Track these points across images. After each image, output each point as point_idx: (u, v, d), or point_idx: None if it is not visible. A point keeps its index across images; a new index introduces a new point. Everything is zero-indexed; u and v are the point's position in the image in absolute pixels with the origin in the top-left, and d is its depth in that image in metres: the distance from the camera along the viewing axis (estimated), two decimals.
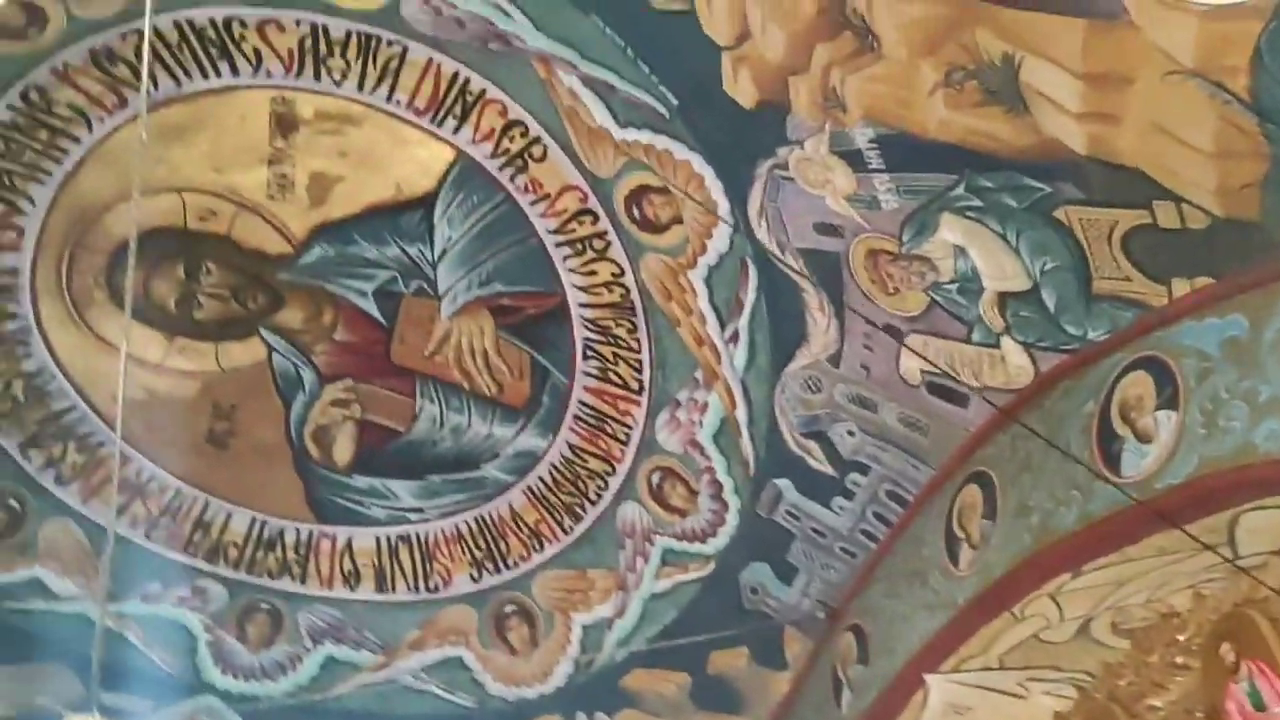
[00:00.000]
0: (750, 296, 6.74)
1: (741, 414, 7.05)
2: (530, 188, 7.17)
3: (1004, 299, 5.64)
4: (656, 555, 7.75)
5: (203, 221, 7.62)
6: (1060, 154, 5.01)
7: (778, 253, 6.45)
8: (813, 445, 6.86)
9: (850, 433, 6.70)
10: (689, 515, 7.56)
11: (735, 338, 6.91)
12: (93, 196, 7.38)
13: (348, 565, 8.45)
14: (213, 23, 6.59)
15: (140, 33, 6.23)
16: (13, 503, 7.86)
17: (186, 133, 7.22)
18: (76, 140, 7.12)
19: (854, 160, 5.79)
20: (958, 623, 5.49)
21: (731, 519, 7.38)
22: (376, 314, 7.96)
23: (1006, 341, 5.74)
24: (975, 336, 5.89)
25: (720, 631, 7.39)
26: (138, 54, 6.56)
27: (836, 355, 6.55)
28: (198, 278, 7.80)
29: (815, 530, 7.10)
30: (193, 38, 6.65)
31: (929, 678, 5.58)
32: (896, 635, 6.07)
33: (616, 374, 7.64)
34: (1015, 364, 5.72)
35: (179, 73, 6.81)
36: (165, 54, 6.60)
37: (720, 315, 6.92)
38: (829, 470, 6.86)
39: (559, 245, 7.32)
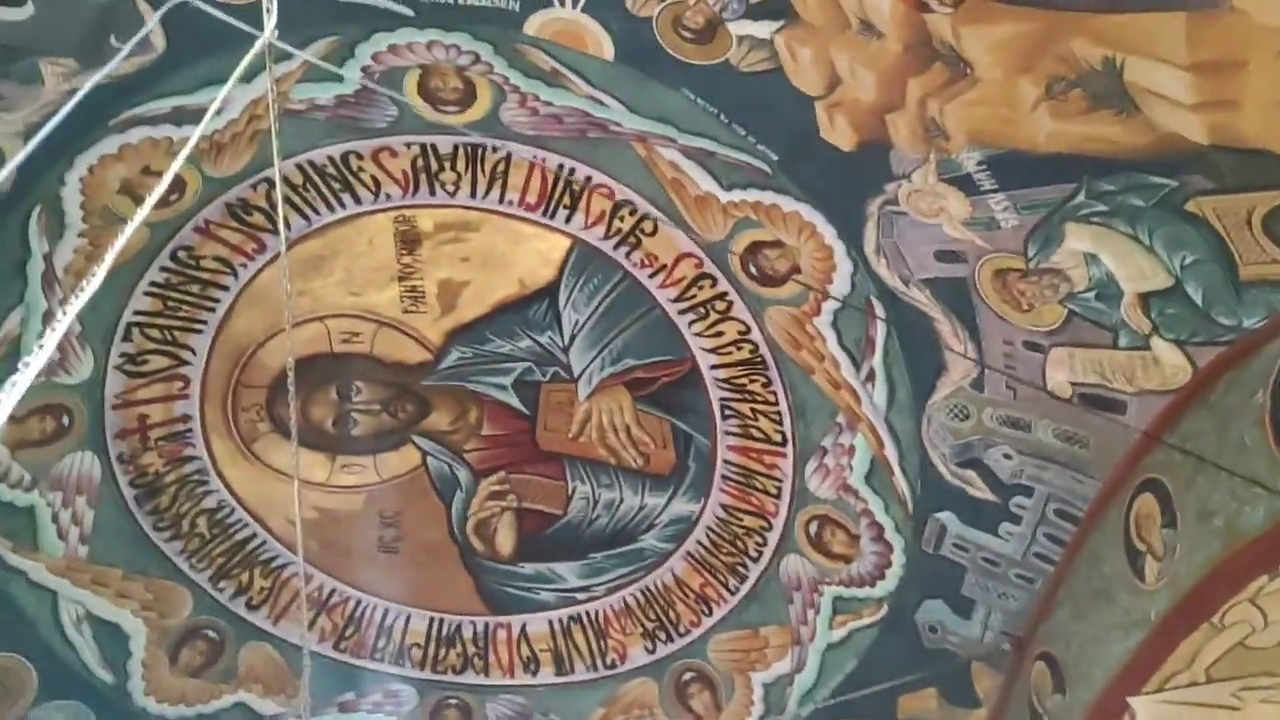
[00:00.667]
0: (880, 334, 6.53)
1: (891, 452, 6.80)
2: (646, 262, 7.13)
3: (1146, 299, 5.32)
4: (827, 605, 7.50)
5: (346, 344, 7.79)
6: (1182, 147, 4.72)
7: (902, 287, 6.24)
8: (970, 474, 6.56)
9: (1007, 455, 6.39)
10: (853, 560, 7.30)
11: (871, 377, 6.69)
12: (246, 337, 7.63)
13: (525, 652, 8.42)
14: (331, 160, 6.77)
15: (269, 181, 6.46)
16: (211, 634, 8.06)
17: (322, 263, 7.42)
18: (225, 288, 7.38)
19: (965, 185, 5.58)
20: (1155, 639, 5.12)
21: (897, 559, 7.10)
22: (518, 405, 8.00)
23: (1157, 342, 5.40)
24: (1122, 341, 5.57)
25: (904, 675, 7.07)
26: (269, 200, 6.80)
27: (979, 380, 6.27)
28: (349, 397, 7.96)
29: (986, 560, 6.77)
30: (315, 176, 6.85)
31: (1133, 701, 5.20)
32: (1091, 659, 5.70)
33: (758, 429, 7.48)
34: (1170, 363, 5.37)
35: (307, 210, 7.00)
36: (293, 195, 6.80)
37: (853, 357, 6.72)
38: (991, 497, 6.54)
39: (682, 312, 7.24)
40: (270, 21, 3.68)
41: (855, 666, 7.48)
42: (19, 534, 7.25)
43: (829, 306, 6.61)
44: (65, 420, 7.28)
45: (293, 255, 6.93)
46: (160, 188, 3.48)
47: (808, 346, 6.92)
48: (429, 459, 8.13)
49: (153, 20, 5.28)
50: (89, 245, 6.85)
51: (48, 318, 6.98)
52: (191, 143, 3.79)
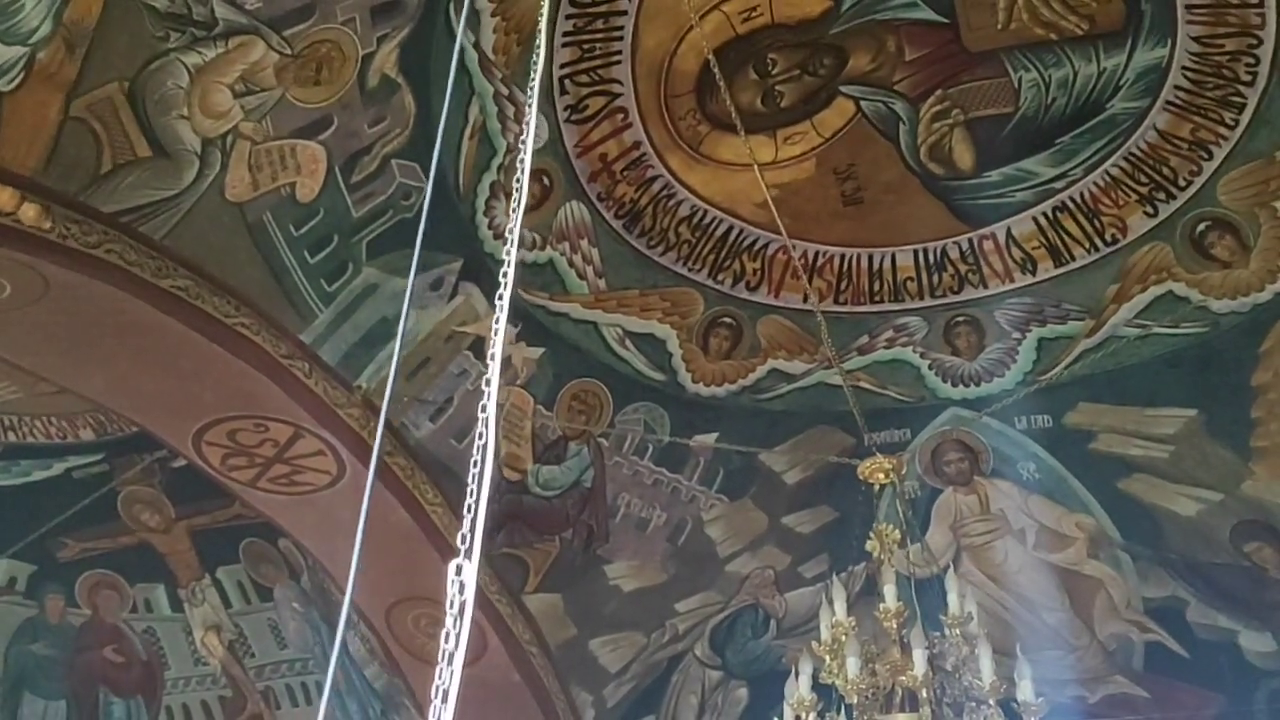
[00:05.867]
0: None
1: None
2: None
3: None
4: None
5: (748, 21, 7.20)
6: None
7: None
8: None
9: None
10: None
11: None
12: (658, 51, 7.35)
13: (1018, 254, 7.66)
14: None
15: None
16: (728, 320, 8.19)
17: None
18: (623, 13, 7.05)
19: None
20: None
21: None
22: (934, 16, 6.96)
23: None
24: None
25: None
26: None
27: None
28: (768, 72, 7.41)
29: None
30: None
31: None
32: None
33: None
34: None
35: None
36: None
37: None
38: None
39: None
40: None
41: None
42: (550, 285, 7.73)
43: None
44: (546, 181, 7.50)
45: None
46: None
47: None
48: (862, 104, 7.42)
49: None
50: (503, 21, 6.78)
51: (498, 98, 7.09)
52: None
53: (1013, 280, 7.71)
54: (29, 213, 3.99)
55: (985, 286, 7.78)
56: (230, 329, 5.96)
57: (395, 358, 4.81)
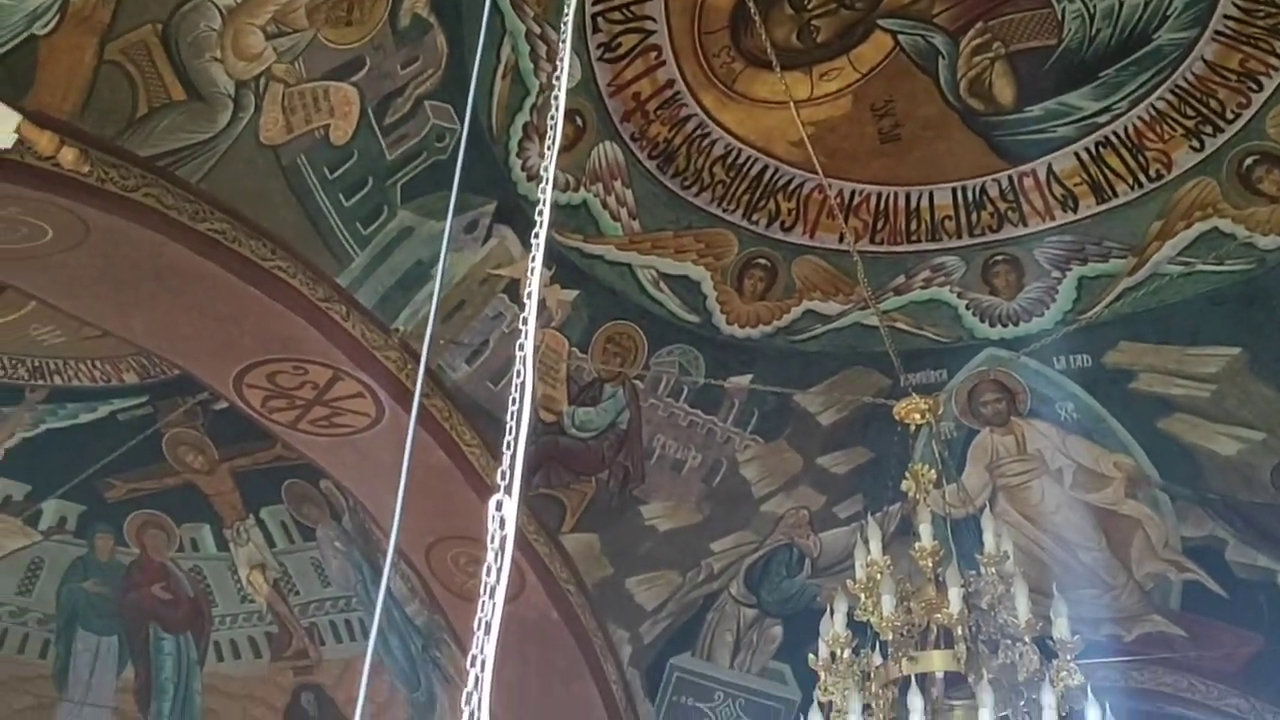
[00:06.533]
0: None
1: None
2: None
3: None
4: None
5: None
6: None
7: None
8: None
9: None
10: None
11: None
12: None
13: (1059, 191, 7.50)
14: None
15: None
16: (762, 261, 8.12)
17: None
18: None
19: None
20: None
21: None
22: None
23: None
24: None
25: None
26: None
27: None
28: (804, 6, 7.25)
29: None
30: None
31: None
32: None
33: None
34: None
35: None
36: None
37: None
38: None
39: None
40: None
41: None
42: (584, 226, 7.69)
43: None
44: (579, 121, 7.43)
45: None
46: None
47: None
48: (900, 38, 7.25)
49: None
50: None
51: (530, 37, 7.00)
52: None
53: (1053, 218, 7.57)
54: (68, 156, 4.01)
55: (1025, 224, 7.64)
56: (268, 272, 5.99)
57: (435, 299, 4.80)
